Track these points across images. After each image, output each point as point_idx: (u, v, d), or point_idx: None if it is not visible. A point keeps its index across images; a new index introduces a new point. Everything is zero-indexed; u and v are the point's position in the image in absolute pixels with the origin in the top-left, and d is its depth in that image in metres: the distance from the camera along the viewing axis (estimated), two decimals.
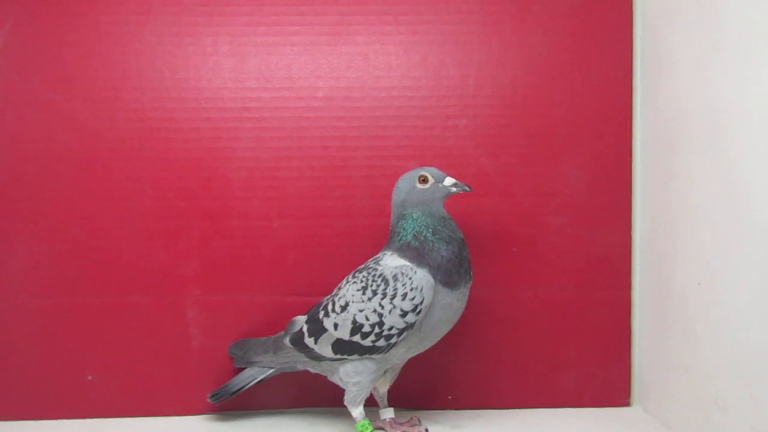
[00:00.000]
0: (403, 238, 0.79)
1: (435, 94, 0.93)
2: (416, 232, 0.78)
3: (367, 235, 0.92)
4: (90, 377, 0.92)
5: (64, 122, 0.91)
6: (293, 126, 0.92)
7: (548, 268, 0.93)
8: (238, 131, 0.92)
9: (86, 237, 0.91)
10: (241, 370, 0.89)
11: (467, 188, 0.80)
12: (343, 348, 0.79)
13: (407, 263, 0.77)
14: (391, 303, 0.75)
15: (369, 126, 0.93)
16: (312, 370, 0.86)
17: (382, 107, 0.93)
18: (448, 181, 0.80)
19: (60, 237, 0.91)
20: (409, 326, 0.76)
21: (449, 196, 0.81)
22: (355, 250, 0.91)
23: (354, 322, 0.77)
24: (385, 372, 0.84)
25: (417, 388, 0.93)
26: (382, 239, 0.85)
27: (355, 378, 0.80)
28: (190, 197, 0.92)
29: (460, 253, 0.78)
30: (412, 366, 0.87)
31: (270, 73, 0.92)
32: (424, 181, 0.79)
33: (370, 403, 0.84)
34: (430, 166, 0.81)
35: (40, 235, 0.91)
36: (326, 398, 0.90)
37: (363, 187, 0.92)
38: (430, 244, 0.77)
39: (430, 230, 0.78)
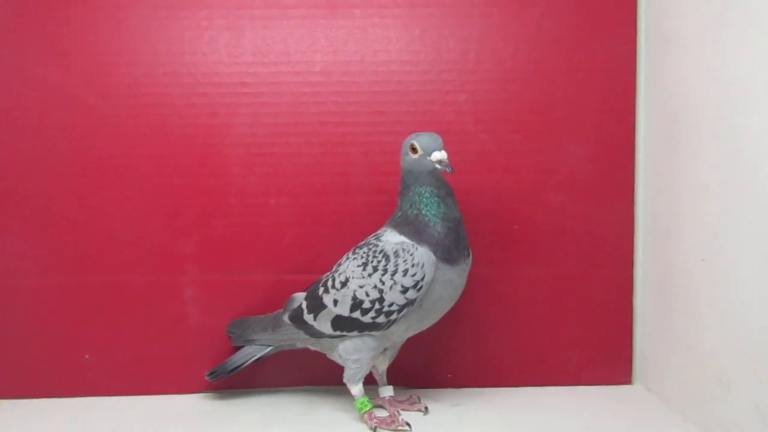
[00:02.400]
0: (403, 207, 0.78)
1: (434, 69, 0.91)
2: (412, 201, 0.77)
3: (366, 212, 0.91)
4: (87, 356, 0.91)
5: (58, 99, 0.90)
6: (291, 101, 0.91)
7: (549, 245, 0.93)
8: (235, 107, 0.91)
9: (82, 215, 0.90)
10: (238, 349, 0.88)
11: (448, 169, 0.75)
12: (342, 324, 0.78)
13: (408, 240, 0.76)
14: (391, 279, 0.74)
15: (367, 101, 0.91)
16: (311, 348, 0.85)
17: (380, 82, 0.91)
18: (435, 156, 0.75)
19: (55, 215, 0.90)
20: (410, 303, 0.75)
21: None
22: (353, 227, 0.90)
23: (354, 298, 0.76)
24: (384, 350, 0.83)
25: (417, 367, 0.92)
26: (381, 216, 0.84)
27: (355, 355, 0.79)
28: (186, 174, 0.91)
29: (456, 229, 0.77)
30: (411, 344, 0.86)
31: (267, 48, 0.91)
32: (413, 150, 0.77)
33: (370, 381, 0.84)
34: (434, 133, 0.78)
35: (36, 213, 0.90)
36: (325, 377, 0.90)
37: (361, 164, 0.91)
38: (425, 219, 0.76)
39: (424, 201, 0.76)
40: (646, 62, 0.91)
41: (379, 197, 0.90)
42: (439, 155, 0.75)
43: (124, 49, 0.90)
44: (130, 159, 0.90)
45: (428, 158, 0.76)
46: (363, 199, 0.91)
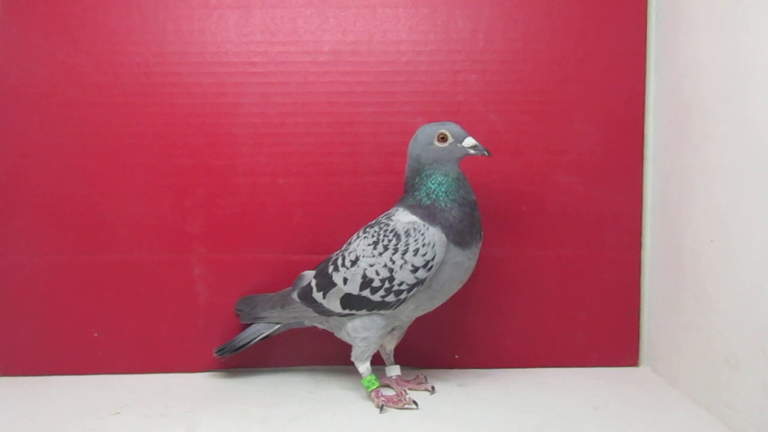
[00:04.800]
0: (416, 196, 0.78)
1: (444, 48, 0.91)
2: (429, 190, 0.77)
3: (375, 192, 0.91)
4: (96, 334, 0.91)
5: (68, 77, 0.90)
6: (299, 81, 0.91)
7: (558, 226, 0.92)
8: (244, 86, 0.90)
9: (91, 193, 0.90)
10: (247, 327, 0.88)
11: (486, 152, 0.78)
12: (351, 303, 0.78)
13: (419, 220, 0.76)
14: (402, 258, 0.74)
15: (376, 81, 0.91)
16: (319, 326, 0.85)
17: (389, 62, 0.91)
18: (468, 142, 0.77)
19: (65, 193, 0.90)
20: (420, 282, 0.75)
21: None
22: (362, 207, 0.90)
23: (364, 276, 0.77)
24: (392, 330, 0.84)
25: (424, 347, 0.93)
26: (390, 196, 0.84)
27: (363, 333, 0.79)
28: (195, 154, 0.91)
29: (472, 214, 0.77)
30: (419, 324, 0.87)
31: (275, 27, 0.90)
32: (443, 139, 0.77)
33: (377, 362, 0.84)
34: (452, 122, 0.79)
35: (45, 192, 0.90)
36: (332, 356, 0.91)
37: (370, 144, 0.91)
38: (442, 204, 0.76)
39: (443, 189, 0.77)
40: (656, 42, 0.90)
41: (388, 177, 0.90)
42: (473, 140, 0.77)
43: (134, 29, 0.90)
44: (139, 138, 0.90)
45: (460, 145, 0.77)
46: (371, 179, 0.91)
